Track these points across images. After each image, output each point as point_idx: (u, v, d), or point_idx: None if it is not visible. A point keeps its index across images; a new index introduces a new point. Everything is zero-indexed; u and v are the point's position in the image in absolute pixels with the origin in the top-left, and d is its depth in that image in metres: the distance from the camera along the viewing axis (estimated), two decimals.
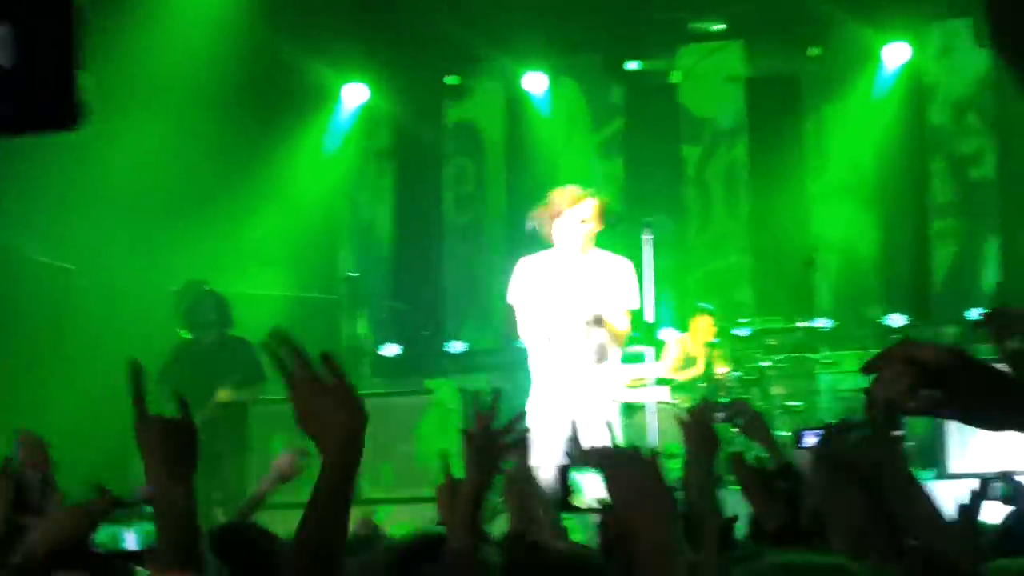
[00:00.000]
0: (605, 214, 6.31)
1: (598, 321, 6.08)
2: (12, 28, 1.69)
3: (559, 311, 6.18)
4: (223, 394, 7.80)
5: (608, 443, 2.61)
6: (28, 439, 3.71)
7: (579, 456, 5.71)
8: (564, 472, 3.05)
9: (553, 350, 6.23)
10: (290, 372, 2.08)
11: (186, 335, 8.47)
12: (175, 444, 2.30)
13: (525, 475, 3.61)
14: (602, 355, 6.20)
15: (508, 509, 3.49)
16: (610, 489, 2.42)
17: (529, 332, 6.27)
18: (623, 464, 2.43)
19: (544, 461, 5.98)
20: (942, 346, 1.65)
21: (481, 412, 2.91)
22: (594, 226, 6.23)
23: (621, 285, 6.22)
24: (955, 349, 1.63)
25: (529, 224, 6.35)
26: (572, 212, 6.17)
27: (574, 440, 5.85)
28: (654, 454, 2.46)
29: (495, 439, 2.89)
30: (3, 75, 1.70)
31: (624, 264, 6.29)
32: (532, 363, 6.39)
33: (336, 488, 2.01)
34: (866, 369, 1.66)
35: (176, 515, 2.28)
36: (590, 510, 3.16)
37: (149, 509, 2.34)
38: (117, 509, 2.69)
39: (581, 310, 6.15)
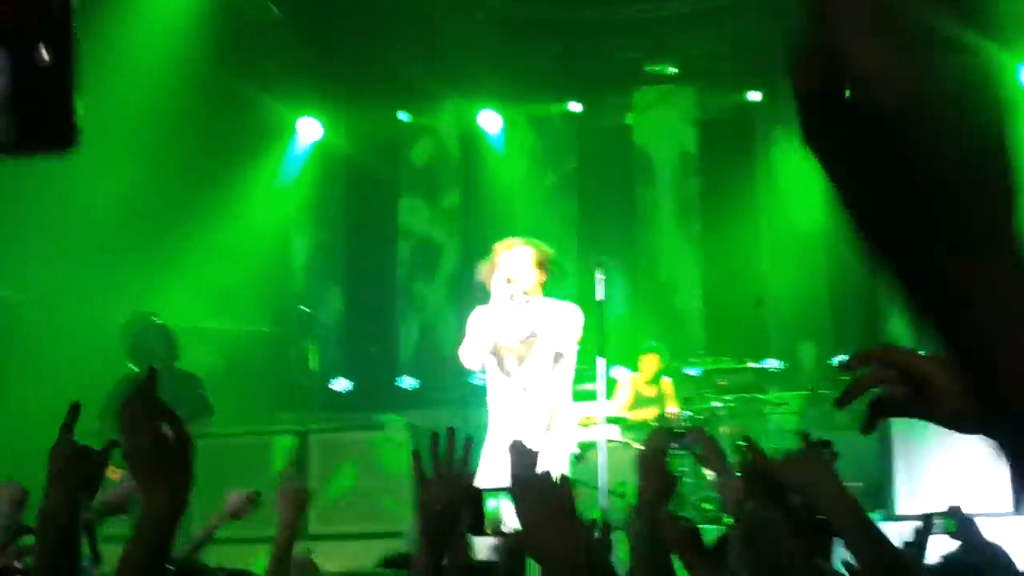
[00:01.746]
0: (546, 264, 6.30)
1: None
2: (9, 52, 1.70)
3: (505, 354, 6.19)
4: (166, 428, 7.67)
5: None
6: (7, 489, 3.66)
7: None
8: (477, 496, 3.04)
9: (501, 392, 6.25)
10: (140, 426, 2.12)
11: (134, 367, 8.35)
12: (80, 470, 2.33)
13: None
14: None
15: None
16: (519, 513, 2.44)
17: (470, 361, 6.28)
18: (532, 489, 2.45)
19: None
20: (923, 352, 1.66)
21: (439, 470, 2.85)
22: (531, 273, 6.21)
23: (563, 323, 6.22)
24: (936, 356, 1.64)
25: (477, 279, 6.36)
26: (508, 255, 6.18)
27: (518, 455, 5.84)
28: (564, 480, 2.48)
29: (452, 488, 2.85)
30: (1, 99, 1.70)
31: (569, 309, 6.28)
32: (489, 408, 6.40)
33: (153, 542, 2.05)
34: (846, 367, 1.67)
35: (61, 531, 2.28)
36: (497, 534, 3.16)
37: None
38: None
39: (524, 346, 6.17)
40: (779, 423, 9.66)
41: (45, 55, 1.75)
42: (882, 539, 2.61)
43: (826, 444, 3.70)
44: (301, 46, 11.71)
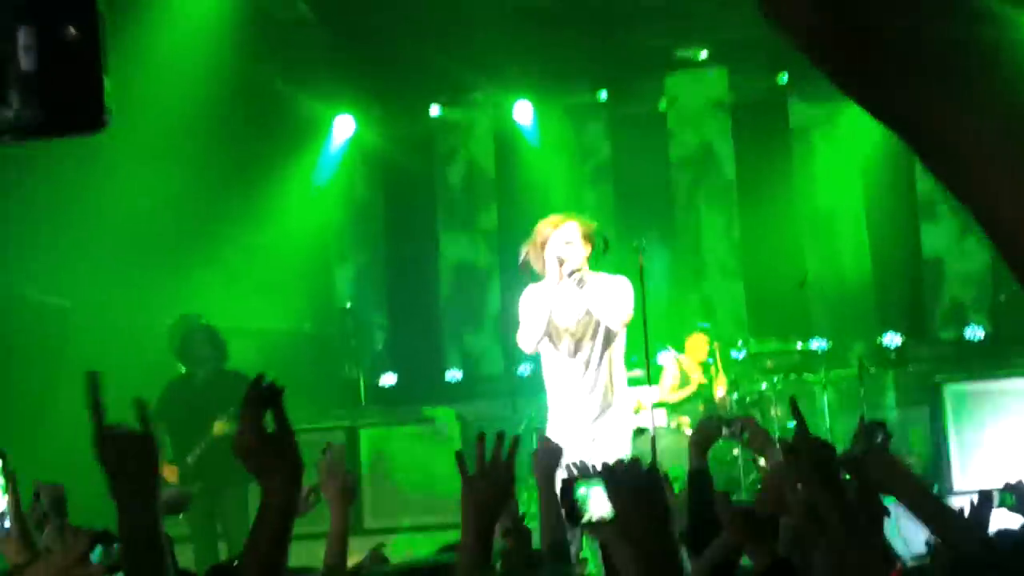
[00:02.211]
0: (592, 236, 6.27)
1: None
2: (37, 32, 1.67)
3: (562, 335, 6.17)
4: (219, 427, 7.73)
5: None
6: (49, 489, 3.67)
7: (583, 471, 5.72)
8: (569, 486, 3.04)
9: (560, 372, 6.23)
10: (242, 423, 2.13)
11: (184, 368, 8.42)
12: (135, 458, 2.22)
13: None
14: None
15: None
16: (612, 500, 2.45)
17: (528, 346, 6.26)
18: (625, 476, 2.47)
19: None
20: None
21: (482, 459, 2.88)
22: (581, 248, 6.20)
23: (617, 301, 6.20)
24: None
25: (521, 262, 6.32)
26: (557, 235, 6.15)
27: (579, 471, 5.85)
28: (655, 467, 2.50)
29: (495, 485, 2.89)
30: (29, 79, 1.68)
31: (620, 281, 6.26)
32: (547, 389, 6.38)
33: (276, 529, 2.11)
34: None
35: (142, 531, 2.22)
36: (594, 523, 3.16)
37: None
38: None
39: (582, 324, 6.15)
40: (829, 402, 9.60)
41: (72, 32, 1.73)
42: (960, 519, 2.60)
43: (881, 425, 3.71)
44: (333, 44, 11.72)
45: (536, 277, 6.20)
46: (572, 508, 2.93)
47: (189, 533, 7.52)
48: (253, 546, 2.12)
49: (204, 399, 7.93)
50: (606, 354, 6.17)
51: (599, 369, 6.17)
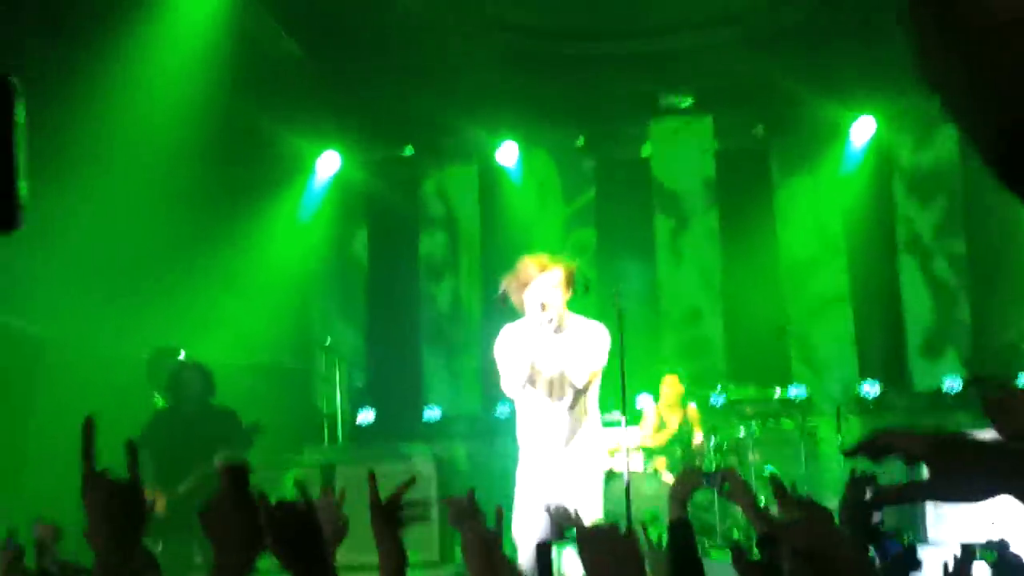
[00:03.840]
0: (575, 280, 6.28)
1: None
2: None
3: (538, 379, 6.17)
4: (217, 463, 7.80)
5: (589, 516, 2.61)
6: (45, 529, 3.65)
7: (559, 532, 5.69)
8: (545, 549, 3.02)
9: (536, 415, 6.22)
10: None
11: (161, 402, 8.41)
12: (121, 506, 2.19)
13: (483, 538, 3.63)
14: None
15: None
16: (586, 566, 2.43)
17: (515, 393, 6.25)
18: (600, 541, 2.44)
19: (528, 530, 5.95)
20: (919, 435, 1.68)
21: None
22: (564, 292, 6.20)
23: (593, 349, 6.20)
24: (930, 437, 1.67)
25: (501, 294, 6.31)
26: (541, 279, 6.15)
27: (556, 516, 5.84)
28: (631, 531, 2.47)
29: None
30: None
31: (596, 329, 6.26)
32: (518, 430, 6.36)
33: None
34: (849, 454, 1.70)
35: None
36: None
37: None
38: None
39: (558, 376, 6.14)
40: (806, 450, 9.61)
41: None
42: None
43: (871, 479, 3.68)
44: (320, 82, 11.76)
45: (512, 312, 6.20)
46: (545, 570, 2.91)
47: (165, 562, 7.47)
48: None
49: (192, 433, 7.95)
50: (582, 399, 6.18)
51: (574, 413, 6.17)
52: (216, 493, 2.20)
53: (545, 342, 6.08)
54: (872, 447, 1.74)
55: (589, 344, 6.14)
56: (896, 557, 3.35)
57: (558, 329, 6.09)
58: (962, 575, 3.86)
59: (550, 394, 6.16)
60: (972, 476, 1.64)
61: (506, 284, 6.23)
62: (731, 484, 4.04)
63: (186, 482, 7.69)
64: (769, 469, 9.19)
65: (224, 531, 2.18)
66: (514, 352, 6.11)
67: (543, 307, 6.02)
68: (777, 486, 3.56)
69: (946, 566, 4.15)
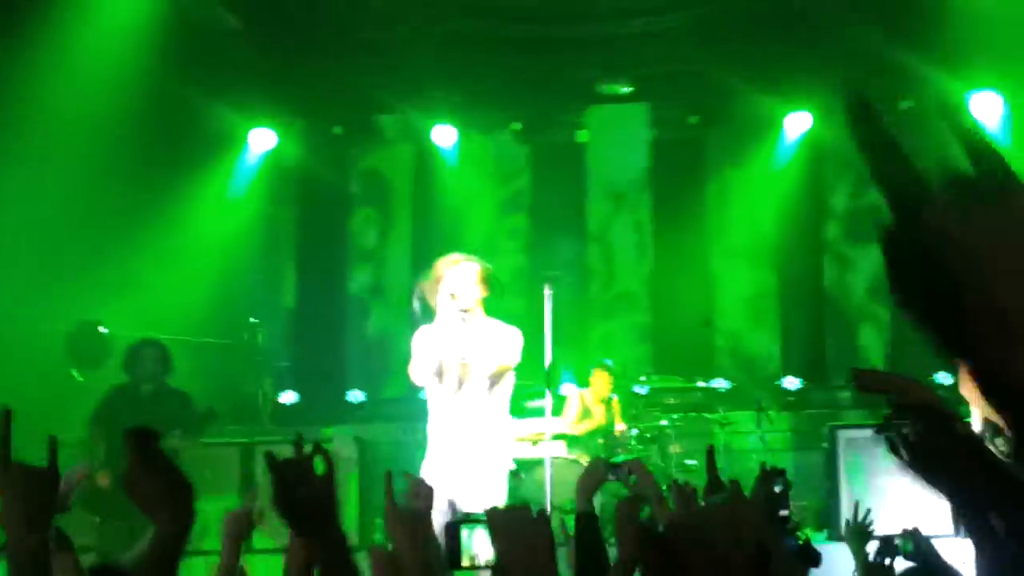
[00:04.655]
0: (489, 280, 6.30)
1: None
2: None
3: (444, 369, 6.19)
4: (173, 442, 7.80)
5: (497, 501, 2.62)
6: None
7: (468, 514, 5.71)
8: (453, 529, 3.02)
9: (441, 406, 6.26)
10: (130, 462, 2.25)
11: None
12: (36, 492, 2.26)
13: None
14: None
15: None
16: (497, 546, 2.43)
17: (420, 380, 6.29)
18: (511, 521, 2.45)
19: (434, 519, 5.97)
20: (937, 400, 1.72)
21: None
22: (476, 289, 6.22)
23: (503, 345, 6.22)
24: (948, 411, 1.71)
25: (415, 299, 6.33)
26: (451, 274, 6.17)
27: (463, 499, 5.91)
28: (542, 512, 2.48)
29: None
30: None
31: (511, 332, 6.28)
32: (428, 419, 6.40)
33: (164, 557, 2.20)
34: (862, 386, 1.73)
35: (29, 566, 2.23)
36: (477, 567, 3.14)
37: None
38: None
39: (462, 366, 6.17)
40: (727, 442, 9.70)
41: None
42: None
43: (780, 473, 3.75)
44: (256, 56, 11.63)
45: (430, 315, 6.22)
46: (454, 550, 2.91)
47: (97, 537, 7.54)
48: (143, 572, 2.20)
49: (148, 412, 7.96)
50: (490, 392, 6.21)
51: (481, 407, 6.20)
52: (128, 461, 2.22)
53: (454, 333, 6.10)
54: (869, 381, 1.79)
55: (499, 340, 6.18)
56: (794, 553, 3.40)
57: (468, 322, 6.11)
58: (883, 566, 3.94)
59: (454, 385, 6.20)
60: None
61: (421, 286, 6.26)
62: (637, 475, 4.09)
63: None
64: (689, 463, 9.27)
65: (144, 495, 2.21)
66: (426, 344, 6.15)
67: (452, 297, 6.04)
68: (680, 489, 3.61)
69: (866, 557, 4.23)
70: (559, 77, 12.37)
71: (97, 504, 7.57)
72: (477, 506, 5.86)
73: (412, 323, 6.38)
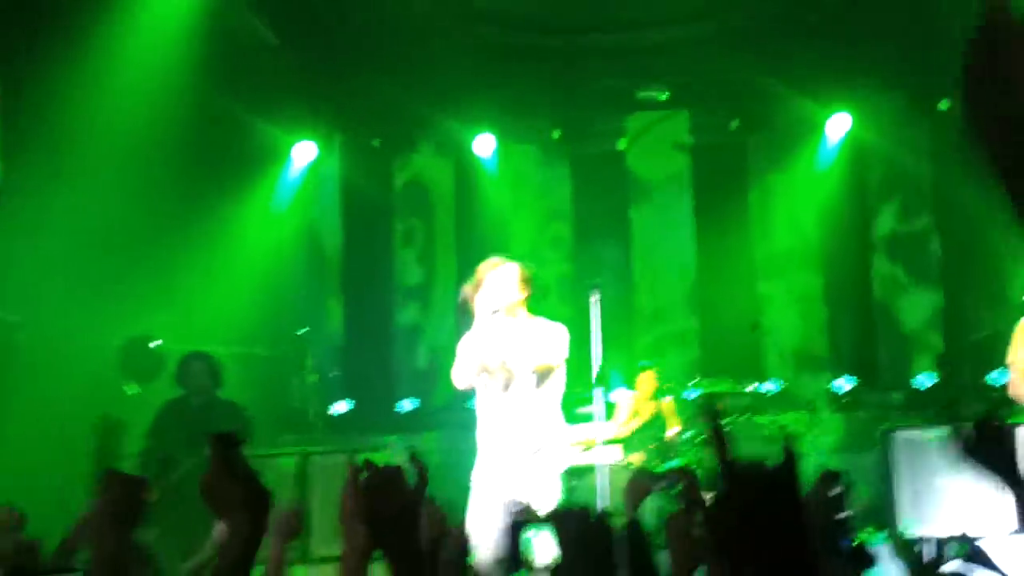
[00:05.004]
0: (530, 281, 6.33)
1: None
2: None
3: (486, 371, 6.20)
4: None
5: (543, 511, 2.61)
6: (9, 514, 3.65)
7: (530, 516, 5.69)
8: (515, 531, 3.01)
9: (485, 409, 6.27)
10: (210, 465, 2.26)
11: (132, 390, 8.49)
12: (127, 502, 2.43)
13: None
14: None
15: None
16: (560, 546, 2.43)
17: (460, 383, 6.30)
18: (573, 523, 2.45)
19: (484, 521, 5.95)
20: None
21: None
22: (516, 291, 6.23)
23: (546, 344, 6.22)
24: None
25: (460, 300, 6.35)
26: (491, 277, 6.20)
27: (521, 504, 5.90)
28: (603, 515, 2.47)
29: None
30: None
31: (554, 329, 6.28)
32: (478, 428, 6.40)
33: (237, 557, 2.22)
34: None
35: (109, 569, 2.30)
36: (541, 570, 3.13)
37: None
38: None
39: (501, 366, 6.17)
40: (780, 446, 9.63)
41: None
42: None
43: (837, 475, 3.73)
44: (296, 71, 11.70)
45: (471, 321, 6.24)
46: (516, 552, 2.91)
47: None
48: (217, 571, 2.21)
49: (199, 424, 8.02)
50: (538, 392, 6.19)
51: (523, 406, 6.18)
52: (210, 465, 2.24)
53: (494, 335, 6.10)
54: None
55: (541, 338, 6.17)
56: (847, 555, 3.40)
57: (509, 322, 6.12)
58: (935, 569, 3.92)
59: (499, 387, 6.19)
60: None
61: (465, 291, 6.28)
62: (684, 484, 4.06)
63: (178, 471, 7.70)
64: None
65: (222, 500, 2.22)
66: (466, 347, 6.17)
67: (493, 300, 6.08)
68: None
69: (920, 560, 4.21)
70: (597, 86, 12.38)
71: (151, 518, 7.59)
72: (533, 506, 5.87)
73: (459, 328, 6.41)
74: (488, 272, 6.21)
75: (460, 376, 6.20)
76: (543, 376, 6.19)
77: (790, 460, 2.29)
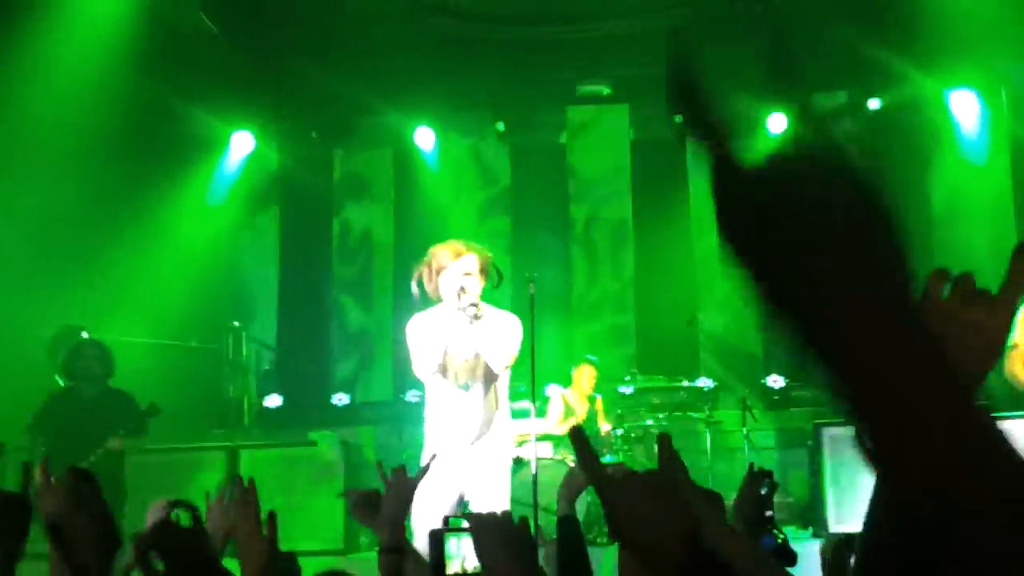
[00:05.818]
0: (488, 269, 6.23)
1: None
2: None
3: (451, 365, 6.13)
4: (114, 442, 7.68)
5: (497, 507, 2.61)
6: None
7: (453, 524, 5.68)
8: (438, 537, 2.99)
9: (446, 403, 6.19)
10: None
11: (63, 382, 8.28)
12: (6, 517, 2.16)
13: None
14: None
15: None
16: (479, 554, 2.42)
17: (428, 377, 6.20)
18: (491, 528, 2.43)
19: (428, 518, 5.92)
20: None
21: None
22: (479, 281, 6.15)
23: (505, 342, 6.17)
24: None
25: (413, 285, 6.24)
26: (455, 266, 6.09)
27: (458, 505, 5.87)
28: (523, 520, 2.46)
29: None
30: None
31: (510, 320, 6.24)
32: (427, 416, 6.33)
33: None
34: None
35: None
36: (465, 574, 3.11)
37: None
38: None
39: (472, 362, 6.11)
40: (712, 441, 9.71)
41: None
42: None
43: (768, 474, 3.75)
44: (235, 60, 11.59)
45: (427, 302, 6.14)
46: (439, 559, 2.89)
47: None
48: None
49: (90, 415, 7.82)
50: (492, 387, 6.16)
51: (486, 402, 6.15)
52: (61, 498, 2.08)
53: (461, 328, 6.03)
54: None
55: (504, 332, 6.11)
56: (771, 552, 3.42)
57: (475, 318, 6.04)
58: (840, 565, 3.95)
59: (462, 381, 6.14)
60: None
61: (418, 272, 6.17)
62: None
63: (86, 461, 7.56)
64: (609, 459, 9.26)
65: (70, 538, 2.06)
66: (428, 336, 6.05)
67: (461, 292, 5.97)
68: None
69: (825, 557, 4.24)
70: (539, 79, 12.37)
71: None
72: (486, 500, 5.84)
73: (396, 319, 6.33)
74: (454, 258, 6.07)
75: (425, 366, 6.05)
76: (507, 369, 6.16)
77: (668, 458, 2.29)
